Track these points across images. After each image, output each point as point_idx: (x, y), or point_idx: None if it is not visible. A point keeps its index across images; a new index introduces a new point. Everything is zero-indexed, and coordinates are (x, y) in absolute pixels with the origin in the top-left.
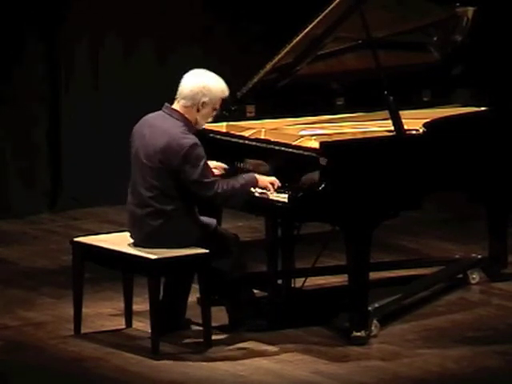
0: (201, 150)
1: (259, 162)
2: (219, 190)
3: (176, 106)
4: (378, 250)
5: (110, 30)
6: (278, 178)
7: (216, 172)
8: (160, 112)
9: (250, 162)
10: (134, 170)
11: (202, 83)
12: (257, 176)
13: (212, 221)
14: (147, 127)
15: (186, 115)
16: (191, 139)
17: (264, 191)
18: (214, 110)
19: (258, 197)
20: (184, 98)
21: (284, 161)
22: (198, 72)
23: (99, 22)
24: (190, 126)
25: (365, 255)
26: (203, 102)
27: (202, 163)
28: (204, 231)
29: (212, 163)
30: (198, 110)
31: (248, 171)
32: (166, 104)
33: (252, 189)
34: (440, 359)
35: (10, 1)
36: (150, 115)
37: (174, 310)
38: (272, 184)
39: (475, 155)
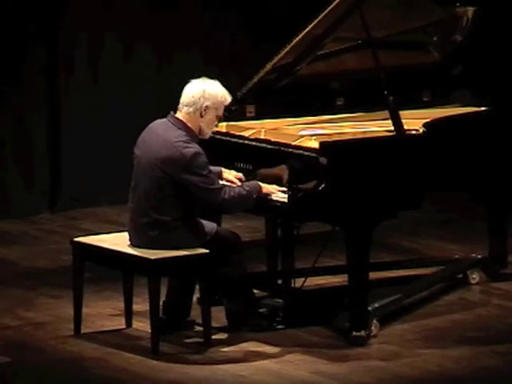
0: (204, 158)
1: (270, 170)
2: (226, 197)
3: (179, 114)
4: (377, 250)
5: (110, 30)
6: (277, 177)
7: (237, 182)
8: (164, 120)
9: (262, 172)
10: (135, 178)
11: (202, 88)
12: (260, 184)
13: (212, 225)
14: (150, 136)
15: (190, 123)
16: (193, 148)
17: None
18: (218, 117)
19: (257, 197)
20: (186, 106)
21: (284, 161)
22: (199, 80)
23: (99, 22)
24: (193, 135)
25: (365, 255)
26: (206, 107)
27: (206, 171)
28: (205, 238)
29: (230, 173)
30: (202, 116)
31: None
32: (171, 112)
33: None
34: (440, 359)
35: (10, 1)
36: (154, 123)
37: (177, 309)
38: (274, 190)
39: (475, 155)
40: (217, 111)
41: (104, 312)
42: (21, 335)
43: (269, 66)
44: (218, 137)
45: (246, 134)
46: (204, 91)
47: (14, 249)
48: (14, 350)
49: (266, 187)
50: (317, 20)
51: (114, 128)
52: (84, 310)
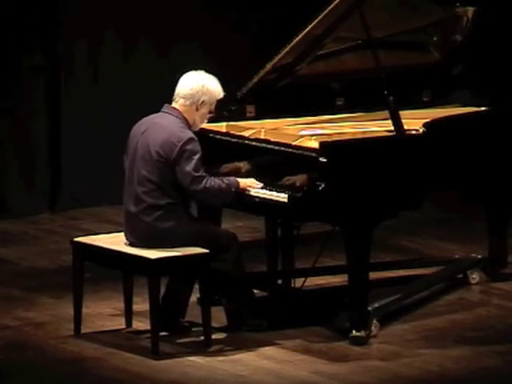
0: (197, 145)
1: (238, 164)
2: (207, 185)
3: (175, 105)
4: (378, 250)
5: (110, 30)
6: (277, 177)
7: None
8: (159, 113)
9: (228, 166)
10: (129, 168)
11: (201, 82)
12: (238, 179)
13: (207, 223)
14: (146, 125)
15: (185, 114)
16: (189, 133)
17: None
18: (210, 112)
19: (257, 197)
20: (183, 97)
21: (284, 161)
22: (197, 72)
23: (99, 21)
24: (188, 125)
25: (365, 255)
26: (202, 101)
27: (196, 157)
28: (199, 227)
29: (248, 180)
30: (197, 109)
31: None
32: (166, 104)
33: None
34: (440, 359)
35: (10, 0)
36: (148, 117)
37: (171, 309)
38: (251, 185)
39: (475, 155)
40: (211, 106)
41: (104, 312)
42: (21, 335)
43: (269, 66)
44: (218, 137)
45: (245, 134)
46: (203, 86)
47: (14, 249)
48: (13, 350)
49: (244, 182)
50: (317, 20)
51: (114, 128)
52: (84, 310)
